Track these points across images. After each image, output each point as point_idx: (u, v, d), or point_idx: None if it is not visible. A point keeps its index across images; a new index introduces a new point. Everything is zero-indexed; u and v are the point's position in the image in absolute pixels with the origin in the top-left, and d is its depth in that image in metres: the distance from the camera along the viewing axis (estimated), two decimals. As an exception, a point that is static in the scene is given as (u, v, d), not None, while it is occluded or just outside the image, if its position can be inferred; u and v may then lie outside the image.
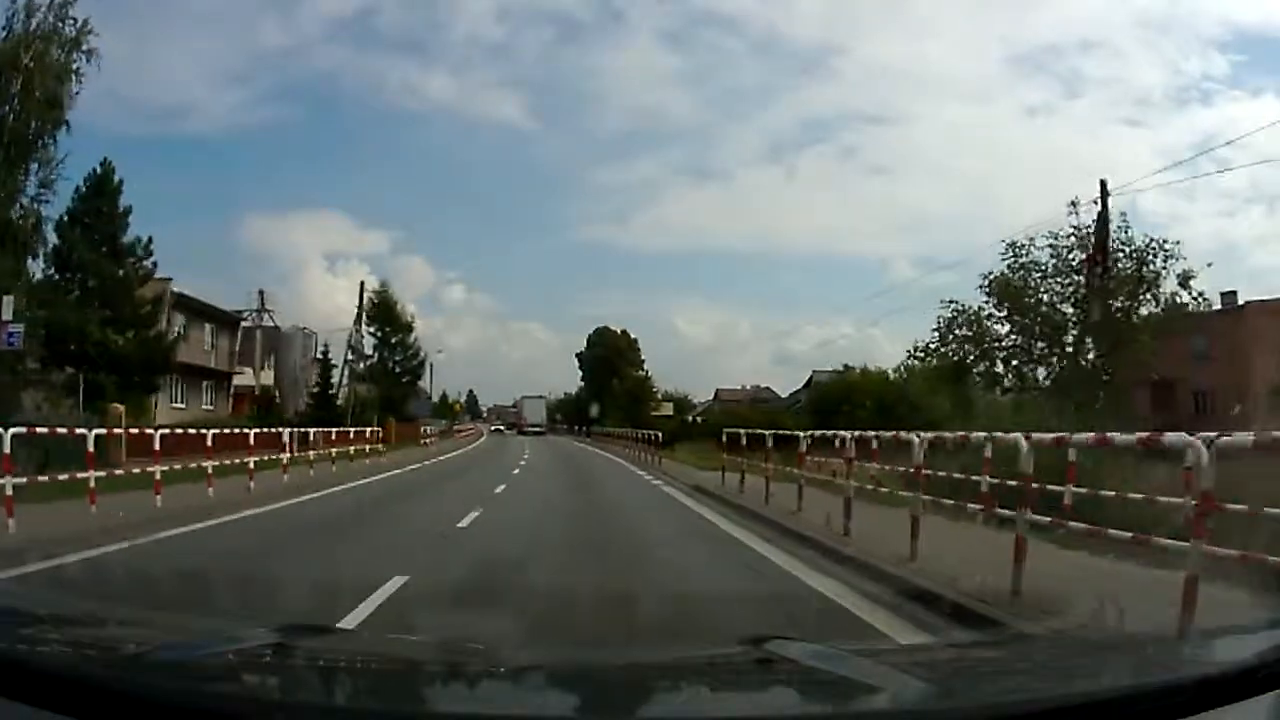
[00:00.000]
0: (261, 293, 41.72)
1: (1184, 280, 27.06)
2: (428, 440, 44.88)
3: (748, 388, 74.78)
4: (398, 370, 54.16)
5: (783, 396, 65.99)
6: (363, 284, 50.60)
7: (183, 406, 35.52)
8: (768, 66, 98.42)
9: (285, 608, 5.54)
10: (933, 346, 29.93)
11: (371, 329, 52.32)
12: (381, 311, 52.24)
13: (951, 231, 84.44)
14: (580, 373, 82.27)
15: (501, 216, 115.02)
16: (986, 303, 28.57)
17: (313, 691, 1.91)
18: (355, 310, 48.21)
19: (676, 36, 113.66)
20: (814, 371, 61.75)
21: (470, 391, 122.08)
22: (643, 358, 76.07)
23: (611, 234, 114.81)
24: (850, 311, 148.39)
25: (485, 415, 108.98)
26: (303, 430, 27.20)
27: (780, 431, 16.42)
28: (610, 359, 75.70)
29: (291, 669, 1.97)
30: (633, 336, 78.41)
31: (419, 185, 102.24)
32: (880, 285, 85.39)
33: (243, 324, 45.04)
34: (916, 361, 31.18)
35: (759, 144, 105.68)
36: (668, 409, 63.94)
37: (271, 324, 46.71)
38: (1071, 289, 27.48)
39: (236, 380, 43.54)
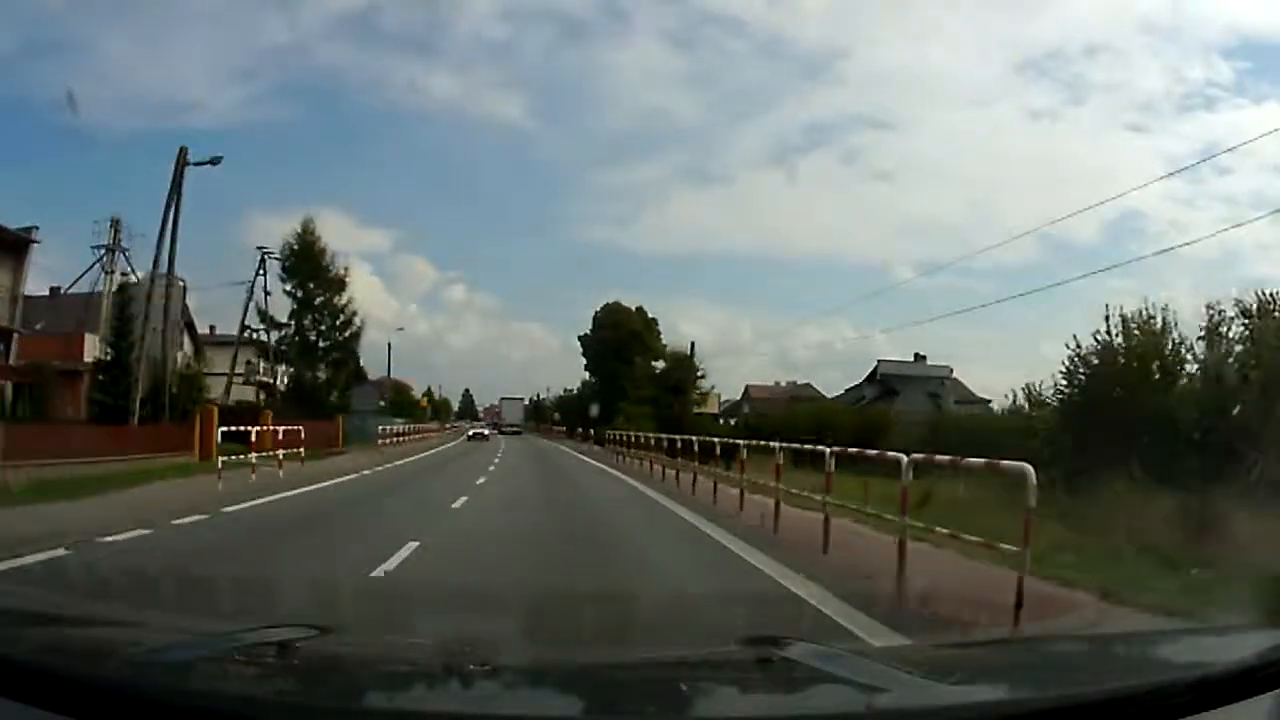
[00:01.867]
0: (115, 222, 26.71)
1: None
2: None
3: (783, 384, 61.99)
4: (322, 345, 38.77)
5: (828, 395, 52.70)
6: (183, 151, 25.54)
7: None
8: (772, 69, 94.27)
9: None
10: None
11: (288, 286, 37.96)
12: (301, 263, 37.40)
13: (953, 235, 79.93)
14: (585, 361, 67.45)
15: (503, 217, 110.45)
16: None
17: (312, 692, 1.89)
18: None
19: (680, 38, 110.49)
20: (879, 361, 50.87)
21: (466, 390, 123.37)
22: (664, 342, 60.76)
23: (613, 235, 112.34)
24: (848, 311, 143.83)
25: (481, 415, 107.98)
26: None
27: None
28: (624, 342, 60.33)
29: (291, 669, 1.98)
30: (650, 315, 62.93)
31: (420, 184, 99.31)
32: (879, 287, 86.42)
33: (105, 274, 31.28)
34: None
35: (762, 147, 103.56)
36: (711, 407, 49.55)
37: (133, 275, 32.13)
38: None
39: (87, 353, 30.17)
